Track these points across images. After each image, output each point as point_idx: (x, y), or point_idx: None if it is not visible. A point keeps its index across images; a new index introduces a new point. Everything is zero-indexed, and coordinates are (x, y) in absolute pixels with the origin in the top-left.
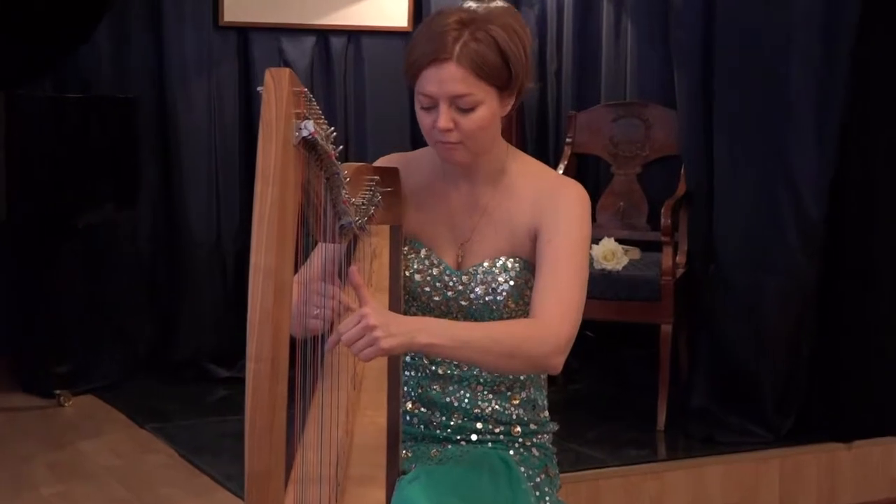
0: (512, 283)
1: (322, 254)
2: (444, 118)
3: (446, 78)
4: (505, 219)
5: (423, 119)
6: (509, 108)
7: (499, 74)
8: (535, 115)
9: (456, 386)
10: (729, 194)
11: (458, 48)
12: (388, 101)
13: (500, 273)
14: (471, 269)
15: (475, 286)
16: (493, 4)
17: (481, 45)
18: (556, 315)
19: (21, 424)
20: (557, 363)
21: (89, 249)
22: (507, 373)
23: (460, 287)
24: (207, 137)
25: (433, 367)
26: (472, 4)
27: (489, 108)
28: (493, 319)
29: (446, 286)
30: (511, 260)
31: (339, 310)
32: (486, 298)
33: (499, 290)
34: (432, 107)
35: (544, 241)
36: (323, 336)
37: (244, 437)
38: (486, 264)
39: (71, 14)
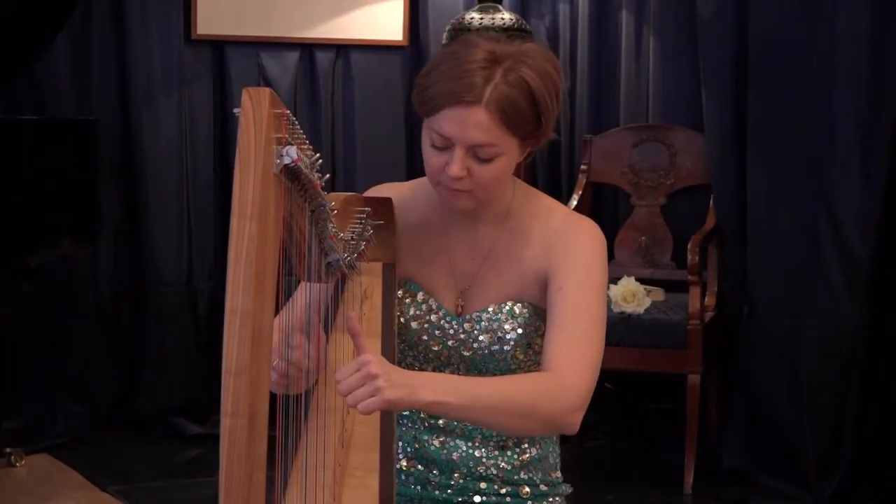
0: (520, 330)
1: (306, 295)
2: (459, 166)
3: (471, 124)
4: (511, 262)
5: (432, 158)
6: (525, 156)
7: (526, 125)
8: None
9: (457, 441)
10: (764, 229)
11: (488, 91)
12: (381, 124)
13: (507, 320)
14: (474, 315)
15: (479, 334)
16: (525, 43)
17: (513, 90)
18: (572, 369)
19: None
20: (575, 422)
21: (44, 290)
22: (518, 434)
23: (462, 335)
24: (178, 164)
25: (432, 420)
26: (501, 36)
27: (508, 160)
28: (500, 371)
29: (446, 334)
30: (518, 305)
31: (320, 365)
32: (492, 348)
33: (506, 339)
34: (445, 148)
35: (555, 288)
36: (306, 392)
37: (218, 502)
38: (490, 310)
39: (27, 18)
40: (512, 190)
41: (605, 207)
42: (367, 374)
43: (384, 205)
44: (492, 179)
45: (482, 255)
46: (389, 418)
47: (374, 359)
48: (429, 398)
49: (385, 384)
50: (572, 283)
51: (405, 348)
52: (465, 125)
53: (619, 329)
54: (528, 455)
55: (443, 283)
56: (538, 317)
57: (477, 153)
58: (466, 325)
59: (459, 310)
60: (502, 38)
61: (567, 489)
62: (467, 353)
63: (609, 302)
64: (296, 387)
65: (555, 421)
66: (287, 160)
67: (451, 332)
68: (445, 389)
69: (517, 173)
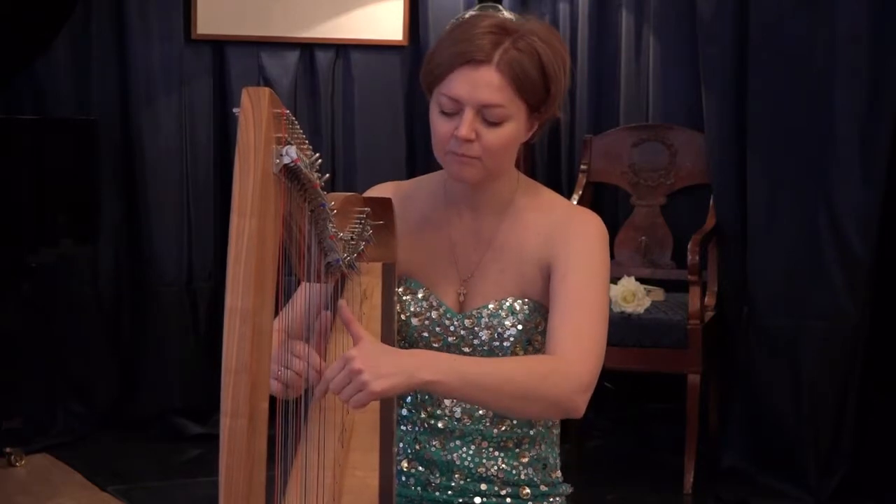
0: (520, 326)
1: (306, 296)
2: (467, 127)
3: (481, 82)
4: (513, 254)
5: (440, 126)
6: (531, 134)
7: (535, 92)
8: (545, 139)
9: (458, 442)
10: (764, 228)
11: (498, 53)
12: (381, 124)
13: (508, 316)
14: (474, 312)
15: (479, 330)
16: (529, 21)
17: (524, 56)
18: (576, 353)
19: None
20: (580, 403)
21: (43, 291)
22: (520, 416)
23: (463, 332)
24: (178, 164)
25: (432, 421)
26: (507, 15)
27: (516, 127)
28: None
29: (447, 331)
30: (519, 301)
31: (314, 372)
32: (492, 344)
33: (505, 336)
34: (454, 113)
35: (558, 277)
36: (306, 392)
37: (218, 502)
38: (491, 306)
39: (27, 18)
40: (515, 181)
41: (605, 207)
42: (351, 371)
43: (384, 205)
44: (500, 145)
45: (484, 246)
46: (389, 418)
47: (357, 354)
48: (427, 377)
49: (370, 377)
50: (575, 272)
51: (405, 345)
52: (476, 84)
53: (620, 329)
54: (528, 456)
55: (444, 276)
56: (538, 313)
57: (486, 115)
58: (467, 322)
59: (462, 298)
60: (510, 17)
61: (567, 489)
62: (467, 350)
63: (609, 302)
64: (295, 392)
65: (559, 403)
66: (286, 160)
67: (452, 328)
68: (443, 369)
69: (517, 168)
